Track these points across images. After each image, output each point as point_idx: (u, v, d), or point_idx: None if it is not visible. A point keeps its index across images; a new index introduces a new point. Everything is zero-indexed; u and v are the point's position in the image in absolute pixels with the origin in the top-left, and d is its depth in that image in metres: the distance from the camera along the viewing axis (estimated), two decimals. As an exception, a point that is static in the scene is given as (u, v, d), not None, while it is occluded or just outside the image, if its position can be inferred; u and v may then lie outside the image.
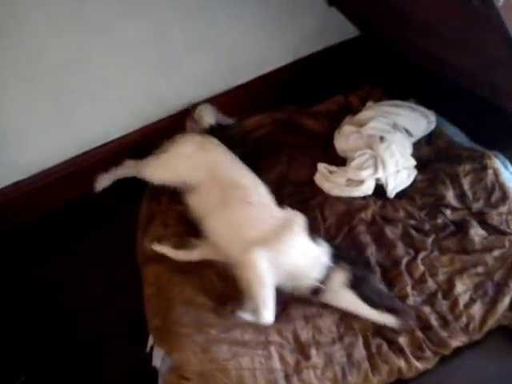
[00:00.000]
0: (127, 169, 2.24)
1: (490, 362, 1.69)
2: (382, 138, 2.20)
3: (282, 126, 2.48)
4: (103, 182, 2.28)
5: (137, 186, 2.25)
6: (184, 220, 2.03)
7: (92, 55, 2.15)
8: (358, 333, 1.71)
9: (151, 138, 2.23)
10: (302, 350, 1.65)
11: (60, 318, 2.00)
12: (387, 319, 1.68)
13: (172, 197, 2.12)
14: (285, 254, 1.69)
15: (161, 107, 2.49)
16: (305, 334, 1.69)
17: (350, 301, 1.71)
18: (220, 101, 2.53)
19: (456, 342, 1.67)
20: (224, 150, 2.09)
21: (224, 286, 1.81)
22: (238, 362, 1.59)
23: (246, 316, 1.69)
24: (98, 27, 2.09)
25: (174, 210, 2.11)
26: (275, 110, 2.57)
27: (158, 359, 1.66)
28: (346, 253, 1.83)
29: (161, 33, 2.26)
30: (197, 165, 1.99)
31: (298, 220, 1.78)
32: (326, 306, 1.75)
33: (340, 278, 1.71)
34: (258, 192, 1.89)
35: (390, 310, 1.69)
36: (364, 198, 2.13)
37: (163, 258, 1.91)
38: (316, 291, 1.72)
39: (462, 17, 1.54)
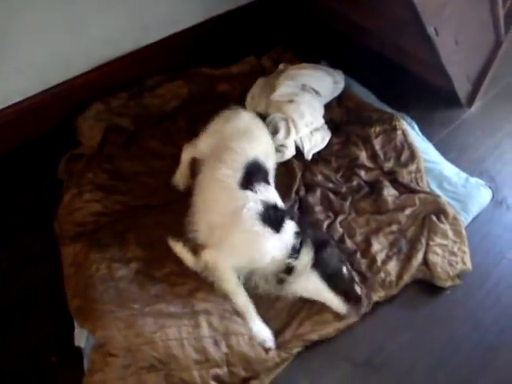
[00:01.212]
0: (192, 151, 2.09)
1: (401, 311, 1.86)
2: (291, 101, 2.22)
3: (196, 94, 2.45)
4: (180, 179, 2.09)
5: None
6: (100, 187, 2.00)
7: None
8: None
9: (56, 101, 2.12)
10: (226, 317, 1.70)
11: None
12: (340, 307, 1.73)
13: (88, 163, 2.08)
14: (240, 247, 1.72)
15: (67, 68, 2.34)
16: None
17: (314, 282, 1.72)
18: (130, 60, 2.46)
19: (375, 297, 1.81)
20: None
21: (147, 252, 1.81)
22: (164, 333, 1.60)
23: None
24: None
25: (87, 178, 2.05)
26: (188, 74, 2.52)
27: (82, 339, 1.64)
28: (305, 229, 1.81)
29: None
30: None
31: (250, 205, 1.75)
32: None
33: (307, 257, 1.72)
34: (225, 172, 1.85)
35: (346, 293, 1.73)
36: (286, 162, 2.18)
37: (79, 236, 1.86)
38: (282, 279, 1.73)
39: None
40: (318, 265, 1.72)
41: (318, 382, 1.71)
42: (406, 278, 1.86)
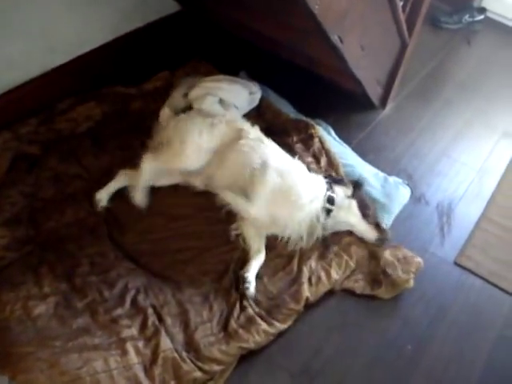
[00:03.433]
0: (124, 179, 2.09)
1: (333, 314, 1.94)
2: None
3: (110, 115, 2.43)
4: (103, 197, 2.05)
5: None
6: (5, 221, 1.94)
7: None
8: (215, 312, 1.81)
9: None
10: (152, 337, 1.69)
11: None
12: (371, 235, 2.05)
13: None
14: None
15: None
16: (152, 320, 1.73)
17: (355, 213, 2.04)
18: (38, 84, 2.40)
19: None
20: None
21: (66, 284, 1.76)
22: (91, 367, 1.57)
23: None
24: None
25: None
26: (101, 95, 2.49)
27: (3, 388, 1.56)
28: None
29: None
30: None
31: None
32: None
33: (343, 191, 2.06)
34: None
35: (376, 224, 2.07)
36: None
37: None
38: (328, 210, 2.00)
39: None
40: (357, 198, 2.06)
41: (257, 396, 1.73)
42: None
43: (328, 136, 2.42)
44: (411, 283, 2.00)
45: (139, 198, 2.05)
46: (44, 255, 1.83)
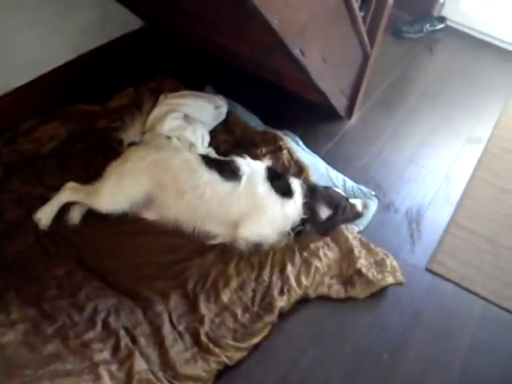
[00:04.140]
0: (71, 194, 2.06)
1: (309, 325, 1.95)
2: (179, 139, 2.30)
3: (75, 134, 2.42)
4: (46, 213, 2.00)
5: None
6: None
7: None
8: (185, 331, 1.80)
9: None
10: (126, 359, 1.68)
11: None
12: None
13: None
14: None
15: None
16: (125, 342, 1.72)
17: None
18: (0, 105, 2.36)
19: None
20: None
21: (34, 309, 1.74)
22: (64, 394, 1.55)
23: None
24: None
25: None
26: (65, 114, 2.48)
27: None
28: None
29: None
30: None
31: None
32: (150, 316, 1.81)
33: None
34: None
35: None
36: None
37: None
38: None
39: (226, 7, 1.70)
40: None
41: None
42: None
43: (296, 146, 2.46)
44: (387, 281, 2.05)
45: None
46: (10, 280, 1.80)
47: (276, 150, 2.37)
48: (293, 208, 2.05)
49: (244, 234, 2.01)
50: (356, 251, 2.11)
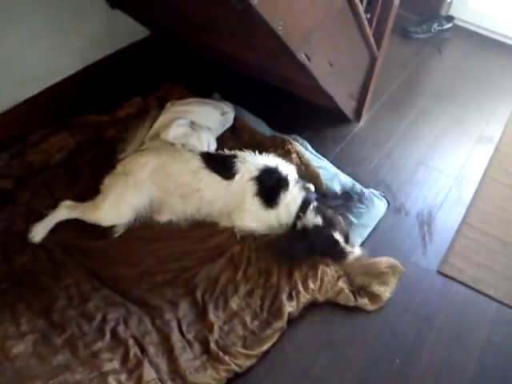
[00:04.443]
0: (68, 212, 2.05)
1: (319, 333, 1.94)
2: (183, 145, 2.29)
3: (83, 144, 2.44)
4: (39, 231, 2.01)
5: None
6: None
7: None
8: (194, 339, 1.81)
9: None
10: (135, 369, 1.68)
11: None
12: None
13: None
14: None
15: None
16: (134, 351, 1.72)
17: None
18: (9, 118, 2.40)
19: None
20: None
21: (44, 319, 1.75)
22: (74, 405, 1.56)
23: None
24: None
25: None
26: (73, 124, 2.50)
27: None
28: None
29: None
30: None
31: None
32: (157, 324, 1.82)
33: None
34: None
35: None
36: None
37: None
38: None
39: (231, 15, 1.70)
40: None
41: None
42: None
43: (305, 151, 2.45)
44: (388, 294, 2.04)
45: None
46: (20, 292, 1.81)
47: (285, 153, 2.35)
48: (283, 215, 2.09)
49: (236, 224, 2.09)
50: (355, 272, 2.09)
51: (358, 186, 2.40)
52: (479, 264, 2.23)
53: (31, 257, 1.95)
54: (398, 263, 2.12)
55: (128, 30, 2.82)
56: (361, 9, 2.14)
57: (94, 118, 2.57)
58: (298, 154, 2.41)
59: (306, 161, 2.41)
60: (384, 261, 2.12)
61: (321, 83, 2.20)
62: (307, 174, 2.35)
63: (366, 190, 2.38)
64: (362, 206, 2.29)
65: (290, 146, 2.41)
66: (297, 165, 2.37)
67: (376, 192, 2.41)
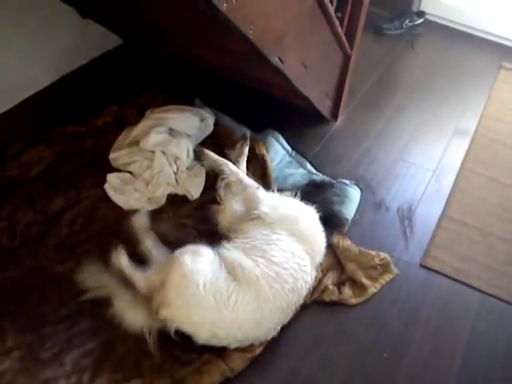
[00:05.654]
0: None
1: (306, 333, 1.96)
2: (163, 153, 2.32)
3: (61, 155, 2.44)
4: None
5: None
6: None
7: None
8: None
9: None
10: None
11: None
12: None
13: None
14: None
15: None
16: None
17: None
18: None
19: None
20: None
21: (30, 335, 1.75)
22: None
23: None
24: None
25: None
26: (51, 136, 2.50)
27: None
28: None
29: None
30: None
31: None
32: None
33: None
34: None
35: None
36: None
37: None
38: None
39: (202, 21, 1.71)
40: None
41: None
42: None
43: (276, 143, 2.51)
44: (374, 289, 2.09)
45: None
46: (4, 308, 1.81)
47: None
48: None
49: None
50: (347, 258, 2.15)
51: (327, 178, 2.47)
52: (461, 255, 2.27)
53: (15, 273, 1.94)
54: (391, 264, 2.16)
55: (101, 39, 2.81)
56: (331, 8, 2.16)
57: (72, 128, 2.57)
58: (263, 157, 2.46)
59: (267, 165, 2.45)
60: (379, 257, 2.17)
61: (295, 84, 2.23)
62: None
63: (335, 181, 2.44)
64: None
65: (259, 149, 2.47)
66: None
67: (347, 181, 2.45)
